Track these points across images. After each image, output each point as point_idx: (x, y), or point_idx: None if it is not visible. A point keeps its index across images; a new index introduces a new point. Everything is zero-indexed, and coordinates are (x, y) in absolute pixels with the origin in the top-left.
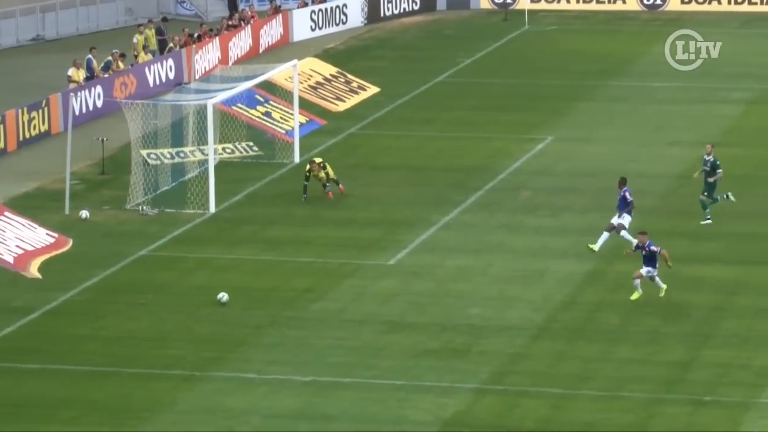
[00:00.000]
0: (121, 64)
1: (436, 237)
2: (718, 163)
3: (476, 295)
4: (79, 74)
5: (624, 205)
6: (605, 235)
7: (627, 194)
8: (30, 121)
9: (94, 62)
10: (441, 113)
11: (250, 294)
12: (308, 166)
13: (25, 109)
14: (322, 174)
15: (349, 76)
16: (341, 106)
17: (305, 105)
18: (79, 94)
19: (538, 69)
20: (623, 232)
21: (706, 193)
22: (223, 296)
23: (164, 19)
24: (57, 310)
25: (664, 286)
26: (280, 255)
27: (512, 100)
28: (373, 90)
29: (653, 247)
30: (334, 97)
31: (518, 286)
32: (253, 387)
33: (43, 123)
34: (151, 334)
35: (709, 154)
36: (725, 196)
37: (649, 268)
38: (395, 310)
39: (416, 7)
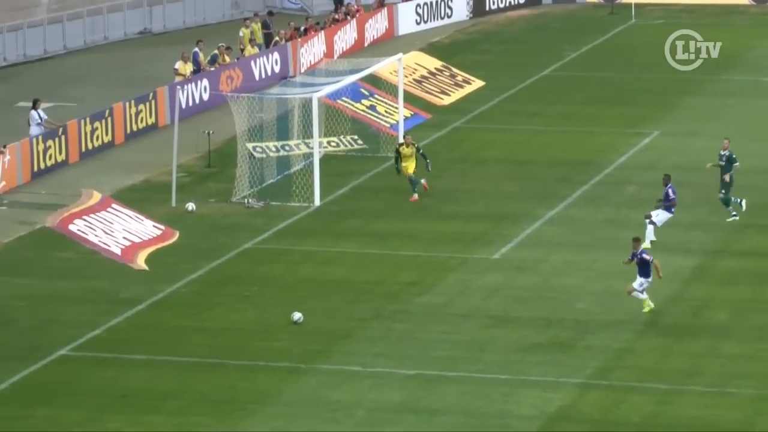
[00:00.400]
0: (227, 58)
1: (541, 231)
2: (734, 157)
3: (582, 290)
4: (186, 67)
5: (665, 201)
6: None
7: (670, 191)
8: (137, 114)
9: (201, 55)
10: (546, 107)
11: (355, 287)
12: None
13: (133, 102)
14: (408, 151)
15: (454, 69)
16: (446, 100)
17: (410, 99)
18: (185, 87)
19: (644, 63)
20: (650, 228)
21: (723, 191)
22: (299, 317)
23: (270, 13)
24: (163, 301)
25: (651, 306)
26: (384, 248)
27: (618, 94)
28: (478, 84)
29: (645, 255)
30: (439, 90)
31: (624, 280)
32: (357, 380)
33: (150, 116)
34: (256, 326)
35: (725, 149)
36: (738, 201)
37: (642, 280)
38: (500, 305)
39: (522, 1)
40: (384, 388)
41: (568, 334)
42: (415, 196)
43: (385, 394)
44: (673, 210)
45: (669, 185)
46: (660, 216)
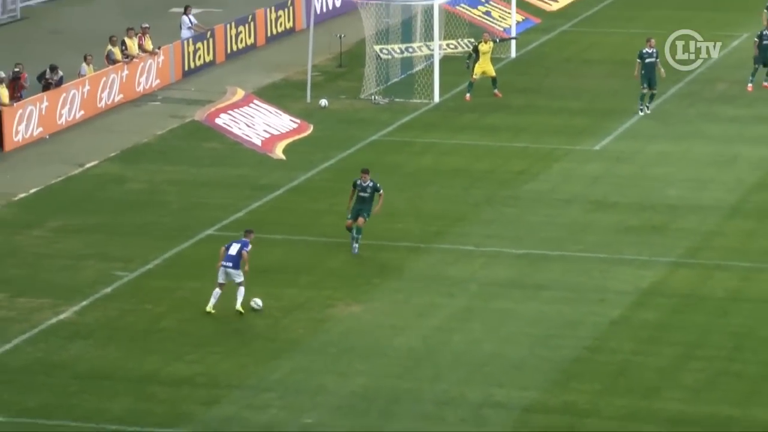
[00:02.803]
0: None
1: (638, 125)
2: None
3: (674, 178)
4: None
5: None
6: None
7: None
8: (277, 19)
9: None
10: (644, 11)
11: (470, 175)
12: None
13: (273, 8)
14: (486, 47)
15: None
16: (554, 6)
17: (522, 5)
18: None
19: None
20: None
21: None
22: (259, 305)
23: None
24: (299, 187)
25: None
26: (497, 140)
27: (710, 1)
28: None
29: None
30: None
31: (714, 169)
32: (471, 258)
33: (289, 21)
34: (382, 210)
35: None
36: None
37: None
38: (600, 191)
39: None
40: (495, 266)
41: (660, 217)
42: (468, 96)
43: (496, 271)
44: None
45: None
46: None
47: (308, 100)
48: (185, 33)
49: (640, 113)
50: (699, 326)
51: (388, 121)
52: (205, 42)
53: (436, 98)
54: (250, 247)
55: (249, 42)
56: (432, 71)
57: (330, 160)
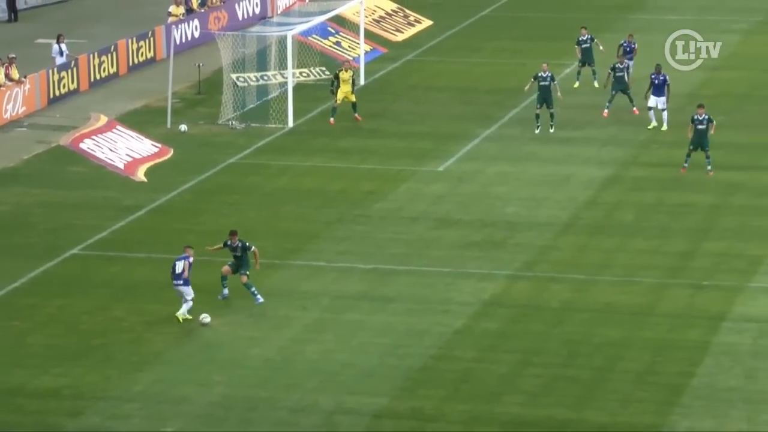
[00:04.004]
0: (214, 1)
1: (479, 147)
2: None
3: (512, 196)
4: (179, 10)
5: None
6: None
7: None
8: (138, 49)
9: None
10: (486, 42)
11: (324, 195)
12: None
13: (134, 39)
14: (347, 75)
15: (407, 11)
16: (400, 37)
17: (370, 36)
18: (179, 26)
19: (566, 4)
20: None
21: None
22: (206, 318)
23: None
24: (161, 208)
25: None
26: (348, 163)
27: (545, 31)
28: (427, 23)
29: None
30: (394, 29)
31: (548, 188)
32: (324, 273)
33: (150, 51)
34: (239, 228)
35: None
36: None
37: None
38: (444, 209)
39: None
40: (346, 280)
41: (500, 233)
42: (332, 120)
43: (347, 285)
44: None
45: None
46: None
47: (168, 125)
48: (58, 60)
49: (536, 131)
50: (536, 334)
51: (244, 145)
52: (70, 71)
53: (290, 123)
54: (192, 259)
55: (112, 71)
56: (286, 98)
57: (190, 182)
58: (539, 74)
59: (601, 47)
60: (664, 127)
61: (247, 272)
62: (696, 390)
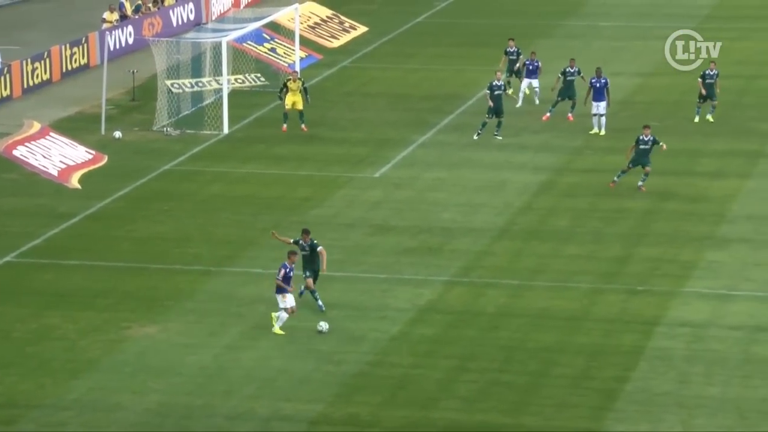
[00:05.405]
0: (150, 7)
1: (415, 154)
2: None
3: (448, 203)
4: (113, 16)
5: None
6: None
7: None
8: (72, 55)
9: (126, 5)
10: (421, 49)
11: (259, 202)
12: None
13: (68, 46)
14: (295, 85)
15: (343, 17)
16: (335, 43)
17: (305, 42)
18: (113, 33)
19: (504, 11)
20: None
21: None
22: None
23: None
24: (95, 215)
25: None
26: (284, 169)
27: (481, 38)
28: (362, 29)
29: None
30: (330, 35)
31: (484, 194)
32: (260, 280)
33: (83, 57)
34: (175, 235)
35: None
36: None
37: None
38: (380, 215)
39: None
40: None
41: (436, 239)
42: (284, 126)
43: None
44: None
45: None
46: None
47: (103, 132)
48: None
49: (476, 137)
50: (472, 340)
51: (180, 152)
52: (3, 77)
53: (226, 129)
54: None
55: (45, 77)
56: (221, 104)
57: (125, 188)
58: (493, 83)
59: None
60: (602, 132)
61: (314, 277)
62: (630, 395)
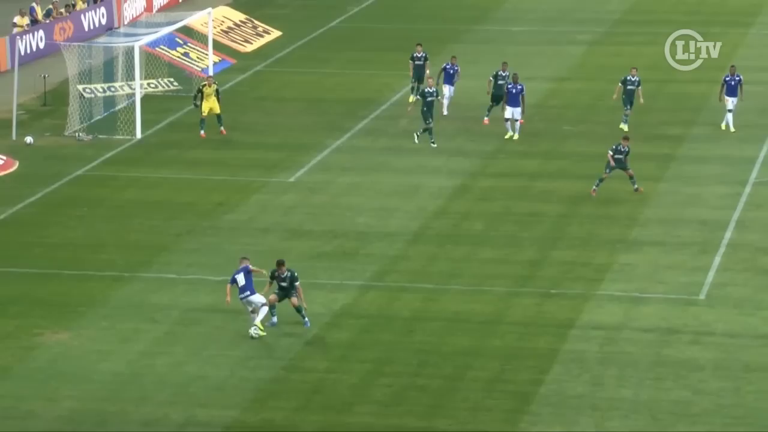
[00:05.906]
0: (60, 11)
1: (329, 158)
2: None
3: (363, 207)
4: (24, 20)
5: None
6: None
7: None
8: None
9: (37, 10)
10: (335, 53)
11: (173, 207)
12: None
13: None
14: (210, 90)
15: (256, 22)
16: (249, 48)
17: (218, 47)
18: (24, 37)
19: (416, 16)
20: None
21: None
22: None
23: None
24: (6, 221)
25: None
26: (198, 174)
27: (395, 42)
28: (276, 34)
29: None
30: (243, 39)
31: (398, 198)
32: (174, 286)
33: None
34: (87, 241)
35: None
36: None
37: None
38: (295, 220)
39: None
40: (196, 293)
41: (351, 244)
42: (203, 132)
43: (197, 297)
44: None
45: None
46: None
47: (14, 137)
48: None
49: (416, 141)
50: (387, 344)
51: (92, 157)
52: None
53: (138, 134)
54: (251, 266)
55: None
56: (134, 109)
57: (36, 194)
58: (426, 90)
59: (428, 71)
60: (516, 137)
61: (296, 295)
62: (545, 397)
